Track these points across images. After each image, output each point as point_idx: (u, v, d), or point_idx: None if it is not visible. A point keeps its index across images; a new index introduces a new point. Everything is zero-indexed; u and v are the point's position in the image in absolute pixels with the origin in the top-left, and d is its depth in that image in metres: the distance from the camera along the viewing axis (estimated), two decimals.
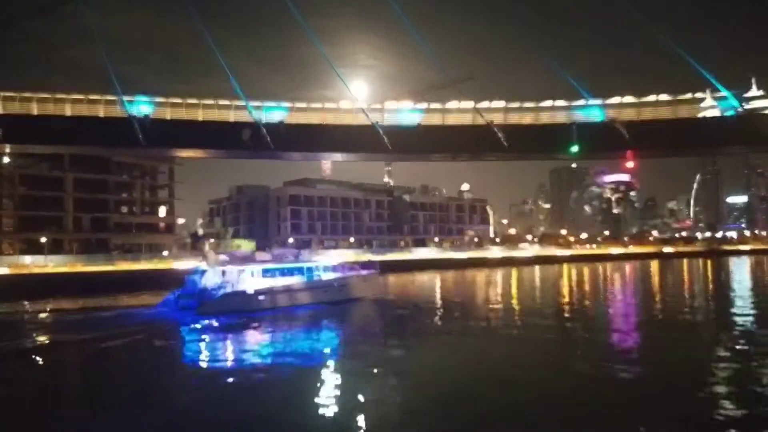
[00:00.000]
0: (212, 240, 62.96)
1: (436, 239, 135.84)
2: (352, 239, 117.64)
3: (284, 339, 27.69)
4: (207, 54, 42.43)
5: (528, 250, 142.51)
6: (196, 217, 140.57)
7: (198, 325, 30.88)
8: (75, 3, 43.24)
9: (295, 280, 39.07)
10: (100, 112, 40.80)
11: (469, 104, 41.22)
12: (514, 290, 56.09)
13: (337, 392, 16.85)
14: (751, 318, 33.23)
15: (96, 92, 41.20)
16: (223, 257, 39.90)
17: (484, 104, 40.72)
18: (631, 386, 17.00)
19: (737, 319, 32.45)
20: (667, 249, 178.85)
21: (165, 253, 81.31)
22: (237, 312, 33.36)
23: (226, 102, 41.52)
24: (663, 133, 38.76)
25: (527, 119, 40.71)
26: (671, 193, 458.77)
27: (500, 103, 40.93)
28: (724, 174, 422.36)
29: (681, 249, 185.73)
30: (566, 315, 37.34)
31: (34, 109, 39.24)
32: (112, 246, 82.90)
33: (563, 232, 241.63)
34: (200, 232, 76.51)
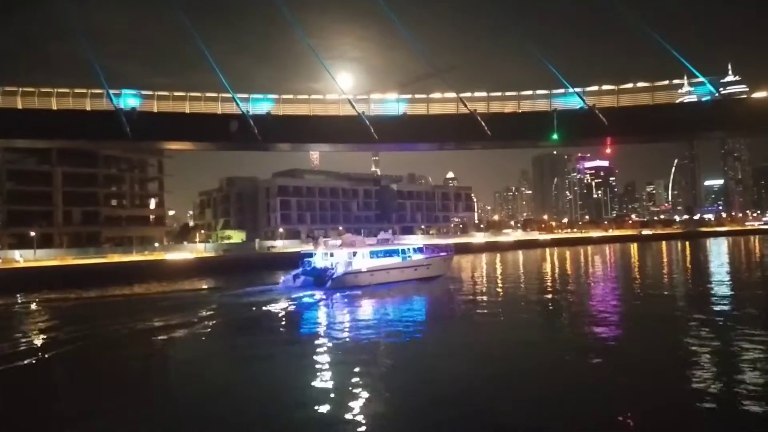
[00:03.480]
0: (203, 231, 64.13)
1: (423, 226, 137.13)
2: (340, 228, 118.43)
3: (396, 305, 34.73)
4: (193, 47, 42.57)
5: (511, 235, 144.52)
6: (187, 209, 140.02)
7: (318, 296, 37.69)
8: None
9: (393, 261, 45.35)
10: (87, 105, 40.71)
11: (452, 94, 41.97)
12: (500, 272, 57.29)
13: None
14: (726, 299, 34.66)
15: (81, 86, 41.12)
16: (333, 242, 46.92)
17: (467, 94, 41.49)
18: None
19: (714, 300, 33.77)
20: (646, 232, 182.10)
21: (156, 245, 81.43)
22: (353, 287, 39.98)
23: (213, 94, 41.73)
24: (641, 119, 39.76)
25: (509, 107, 41.58)
26: (650, 177, 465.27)
27: (482, 93, 41.74)
28: (701, 158, 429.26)
29: (660, 231, 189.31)
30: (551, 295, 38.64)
31: (18, 103, 39.08)
32: (103, 239, 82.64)
33: (545, 217, 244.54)
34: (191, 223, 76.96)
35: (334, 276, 40.83)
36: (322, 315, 32.15)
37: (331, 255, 43.58)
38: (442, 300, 38.08)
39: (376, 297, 37.01)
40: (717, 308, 29.77)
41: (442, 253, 51.40)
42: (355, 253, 43.50)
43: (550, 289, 41.51)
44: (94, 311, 34.72)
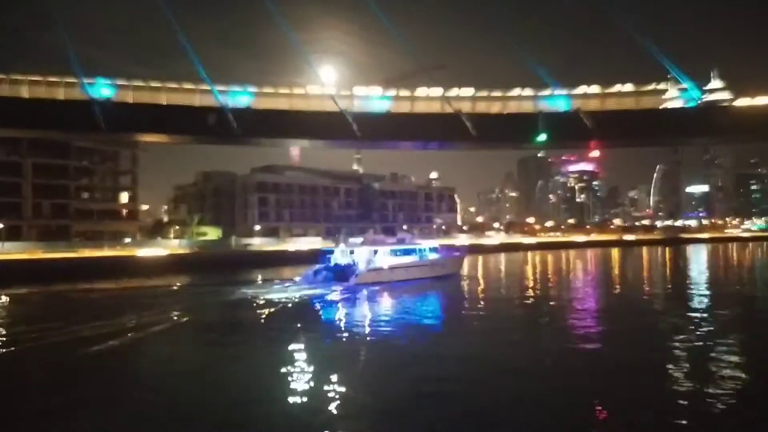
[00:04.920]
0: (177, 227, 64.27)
1: (405, 227, 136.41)
2: (320, 227, 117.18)
3: (417, 300, 36.58)
4: (172, 37, 41.31)
5: (494, 237, 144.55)
6: (161, 204, 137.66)
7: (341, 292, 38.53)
8: None
9: (411, 259, 47.11)
10: (60, 94, 39.49)
11: (437, 92, 41.29)
12: (493, 275, 57.03)
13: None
14: (702, 301, 34.65)
15: (55, 74, 39.74)
16: (354, 240, 48.66)
17: (453, 92, 40.84)
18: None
19: (689, 304, 33.73)
20: (628, 237, 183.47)
21: (128, 240, 79.58)
22: (375, 283, 41.34)
23: (191, 86, 40.61)
24: (626, 123, 39.57)
25: (495, 108, 41.04)
26: (633, 182, 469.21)
27: (468, 91, 41.10)
28: (684, 164, 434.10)
29: (641, 237, 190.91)
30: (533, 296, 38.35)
31: None
32: (74, 233, 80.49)
33: (529, 220, 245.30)
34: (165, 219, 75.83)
35: (358, 272, 42.43)
36: (359, 306, 33.50)
37: (351, 252, 45.39)
38: (456, 297, 39.71)
39: (400, 292, 38.64)
40: (692, 311, 29.91)
41: (455, 253, 54.19)
42: (376, 251, 45.45)
43: (539, 292, 42.03)
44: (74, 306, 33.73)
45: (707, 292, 40.56)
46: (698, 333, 22.94)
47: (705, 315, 28.61)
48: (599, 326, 26.26)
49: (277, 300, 34.10)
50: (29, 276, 46.48)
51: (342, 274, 42.33)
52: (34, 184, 79.82)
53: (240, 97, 40.55)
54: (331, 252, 46.90)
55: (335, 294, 37.12)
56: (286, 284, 42.48)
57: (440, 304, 36.20)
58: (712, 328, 24.15)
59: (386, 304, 34.63)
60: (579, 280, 51.76)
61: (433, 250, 50.73)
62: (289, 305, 32.54)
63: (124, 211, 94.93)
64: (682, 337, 22.09)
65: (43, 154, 78.99)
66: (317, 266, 44.45)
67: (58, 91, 39.76)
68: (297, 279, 44.04)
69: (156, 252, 64.54)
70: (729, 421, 12.50)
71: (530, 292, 41.03)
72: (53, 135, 54.73)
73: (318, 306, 33.16)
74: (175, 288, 42.83)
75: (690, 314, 28.41)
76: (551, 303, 34.89)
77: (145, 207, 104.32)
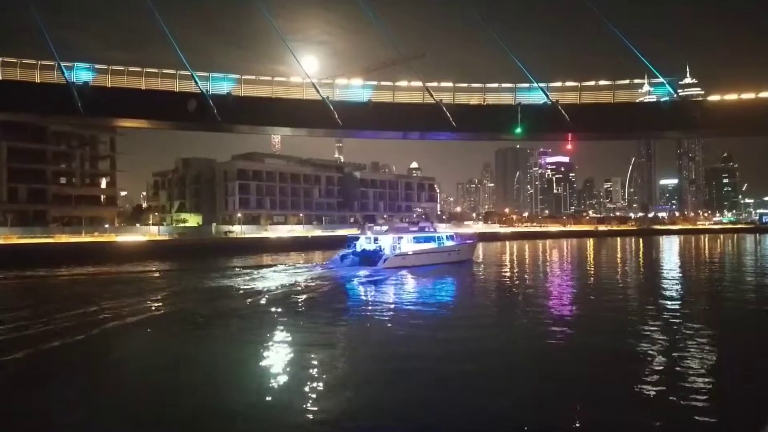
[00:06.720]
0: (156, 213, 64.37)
1: (385, 216, 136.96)
2: (301, 215, 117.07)
3: (439, 281, 39.93)
4: (152, 22, 40.90)
5: (473, 227, 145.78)
6: (140, 190, 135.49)
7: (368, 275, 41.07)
8: None
9: (431, 246, 50.46)
10: (36, 77, 38.81)
11: (418, 82, 41.58)
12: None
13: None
14: (671, 291, 35.74)
15: (30, 57, 39.01)
16: (378, 228, 52.23)
17: (434, 84, 41.16)
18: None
19: (661, 292, 34.81)
20: (603, 228, 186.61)
21: (107, 226, 78.58)
22: (401, 267, 44.22)
23: (171, 71, 40.21)
24: (602, 116, 40.28)
25: (475, 99, 41.49)
26: (608, 174, 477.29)
27: (449, 83, 41.49)
28: (657, 158, 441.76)
29: (615, 228, 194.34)
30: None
31: None
32: (51, 218, 79.35)
33: (507, 210, 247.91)
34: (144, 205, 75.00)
35: (386, 257, 45.23)
36: (398, 286, 36.72)
37: (376, 240, 48.41)
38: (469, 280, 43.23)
39: (426, 276, 41.36)
40: (663, 300, 30.64)
41: (468, 241, 57.79)
42: (401, 238, 48.42)
43: (527, 275, 45.56)
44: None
45: (677, 277, 42.99)
46: (663, 305, 27.00)
47: (672, 294, 31.78)
48: (575, 306, 28.96)
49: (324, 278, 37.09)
50: (4, 261, 45.83)
51: (369, 259, 45.19)
52: (9, 168, 78.29)
53: (221, 83, 40.28)
54: (357, 239, 49.86)
55: (366, 276, 39.87)
56: (317, 267, 45.52)
57: (459, 286, 39.26)
58: (677, 304, 27.71)
59: (416, 284, 37.57)
60: (557, 268, 53.76)
61: (450, 237, 54.23)
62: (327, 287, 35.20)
63: (103, 197, 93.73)
64: (649, 313, 24.89)
65: (18, 138, 77.26)
66: (343, 252, 47.59)
67: (34, 73, 39.08)
68: (326, 263, 47.18)
69: (135, 238, 63.99)
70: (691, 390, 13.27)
71: (519, 277, 44.45)
72: (30, 118, 53.61)
73: (363, 285, 36.50)
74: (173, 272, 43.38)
75: (663, 309, 29.22)
76: (532, 284, 38.69)
77: (123, 193, 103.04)
